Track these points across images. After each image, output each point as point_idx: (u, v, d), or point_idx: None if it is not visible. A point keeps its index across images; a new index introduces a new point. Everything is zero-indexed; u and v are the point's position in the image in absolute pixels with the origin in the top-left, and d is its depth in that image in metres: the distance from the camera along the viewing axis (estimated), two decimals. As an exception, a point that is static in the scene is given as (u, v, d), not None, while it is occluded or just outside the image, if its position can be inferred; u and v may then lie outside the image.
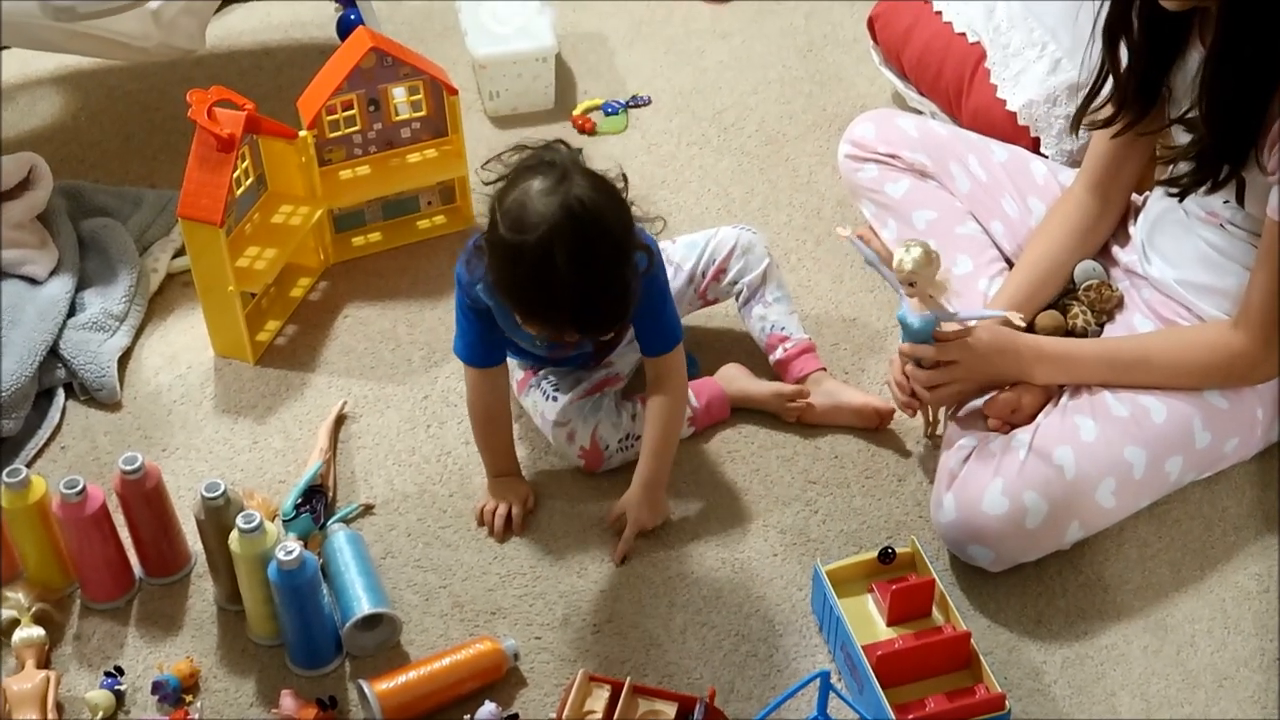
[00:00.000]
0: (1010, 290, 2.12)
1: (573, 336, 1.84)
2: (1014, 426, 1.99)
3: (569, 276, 1.72)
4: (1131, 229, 2.15)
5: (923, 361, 1.97)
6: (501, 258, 1.78)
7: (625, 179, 1.86)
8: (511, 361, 2.14)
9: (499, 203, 1.78)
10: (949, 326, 1.94)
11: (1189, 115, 1.86)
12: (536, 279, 1.74)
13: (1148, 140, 2.03)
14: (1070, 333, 2.15)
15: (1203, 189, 1.87)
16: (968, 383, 1.99)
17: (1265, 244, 1.85)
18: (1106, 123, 2.01)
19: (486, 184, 1.83)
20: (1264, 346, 1.90)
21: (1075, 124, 2.07)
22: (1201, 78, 1.81)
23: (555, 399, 2.10)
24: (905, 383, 2.01)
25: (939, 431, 2.10)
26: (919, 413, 2.08)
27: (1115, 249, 2.17)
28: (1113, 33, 1.93)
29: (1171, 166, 1.93)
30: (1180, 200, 1.94)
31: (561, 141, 1.83)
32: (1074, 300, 2.16)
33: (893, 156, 2.33)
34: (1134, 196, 2.17)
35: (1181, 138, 1.93)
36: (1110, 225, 2.16)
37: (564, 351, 2.05)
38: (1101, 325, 2.14)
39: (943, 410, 2.08)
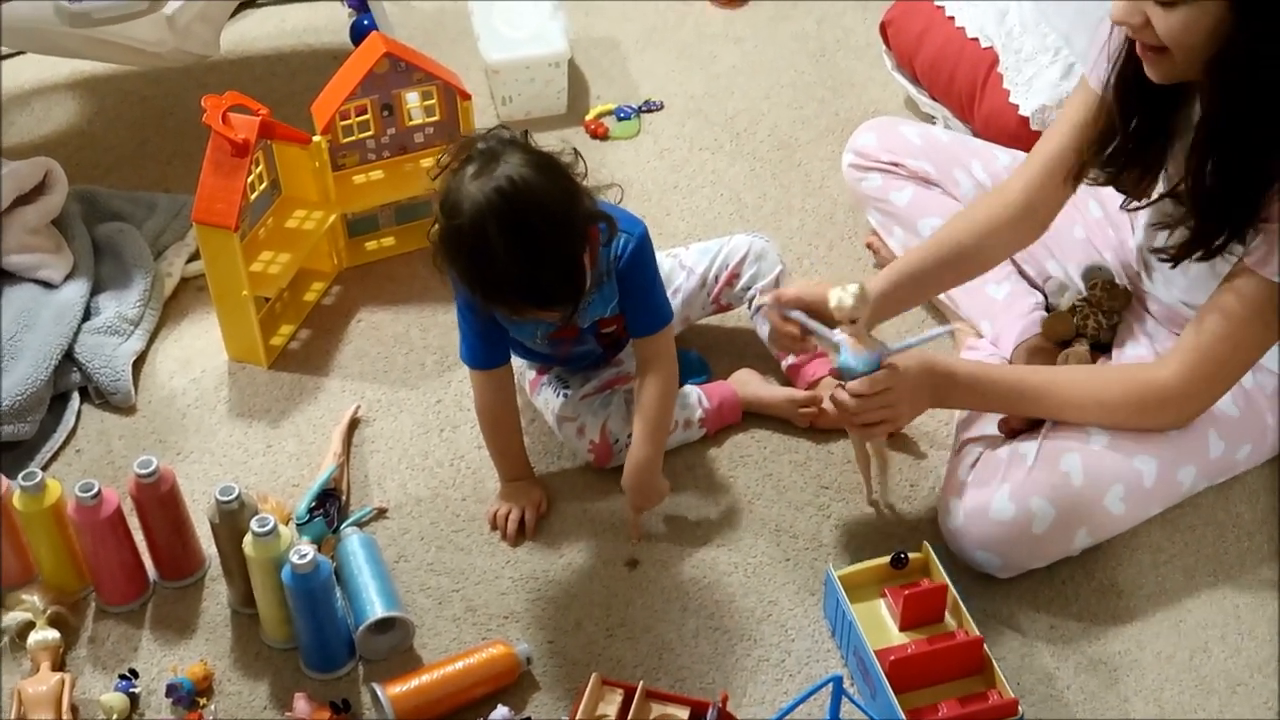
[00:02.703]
0: (901, 264, 2.05)
1: (534, 313, 1.84)
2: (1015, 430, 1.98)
3: (505, 253, 1.74)
4: (1131, 241, 2.13)
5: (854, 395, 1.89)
6: (446, 247, 1.81)
7: (576, 153, 1.87)
8: (522, 364, 2.15)
9: (441, 202, 1.81)
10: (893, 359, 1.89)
11: (1180, 188, 1.82)
12: (476, 260, 1.77)
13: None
14: (1081, 335, 2.15)
15: (1195, 257, 1.82)
16: (904, 409, 1.92)
17: (1241, 293, 1.80)
18: (1108, 180, 1.95)
19: (433, 179, 1.86)
20: (1185, 387, 1.86)
21: (1077, 177, 1.99)
22: (1188, 156, 1.77)
23: (565, 395, 2.12)
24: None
25: (877, 497, 2.07)
26: (861, 475, 2.05)
27: (1121, 258, 2.16)
28: (1119, 93, 1.87)
29: (1167, 233, 1.88)
30: (1174, 266, 1.88)
31: (503, 126, 1.86)
32: (1084, 302, 2.16)
33: (895, 165, 2.33)
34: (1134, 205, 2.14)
35: (1173, 205, 1.87)
36: (1029, 238, 2.07)
37: (568, 348, 2.06)
38: (1113, 327, 2.13)
39: (885, 473, 2.06)
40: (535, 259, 1.76)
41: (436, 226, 1.83)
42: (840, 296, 1.83)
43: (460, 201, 1.77)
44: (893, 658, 1.76)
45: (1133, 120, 1.87)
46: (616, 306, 2.00)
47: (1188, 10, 1.66)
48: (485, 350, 2.01)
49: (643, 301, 1.99)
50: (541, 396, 2.15)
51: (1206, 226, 1.79)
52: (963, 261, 2.06)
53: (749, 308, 2.27)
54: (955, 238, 2.06)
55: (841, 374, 1.89)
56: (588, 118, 2.82)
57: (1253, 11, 1.63)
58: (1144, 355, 2.03)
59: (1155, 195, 1.91)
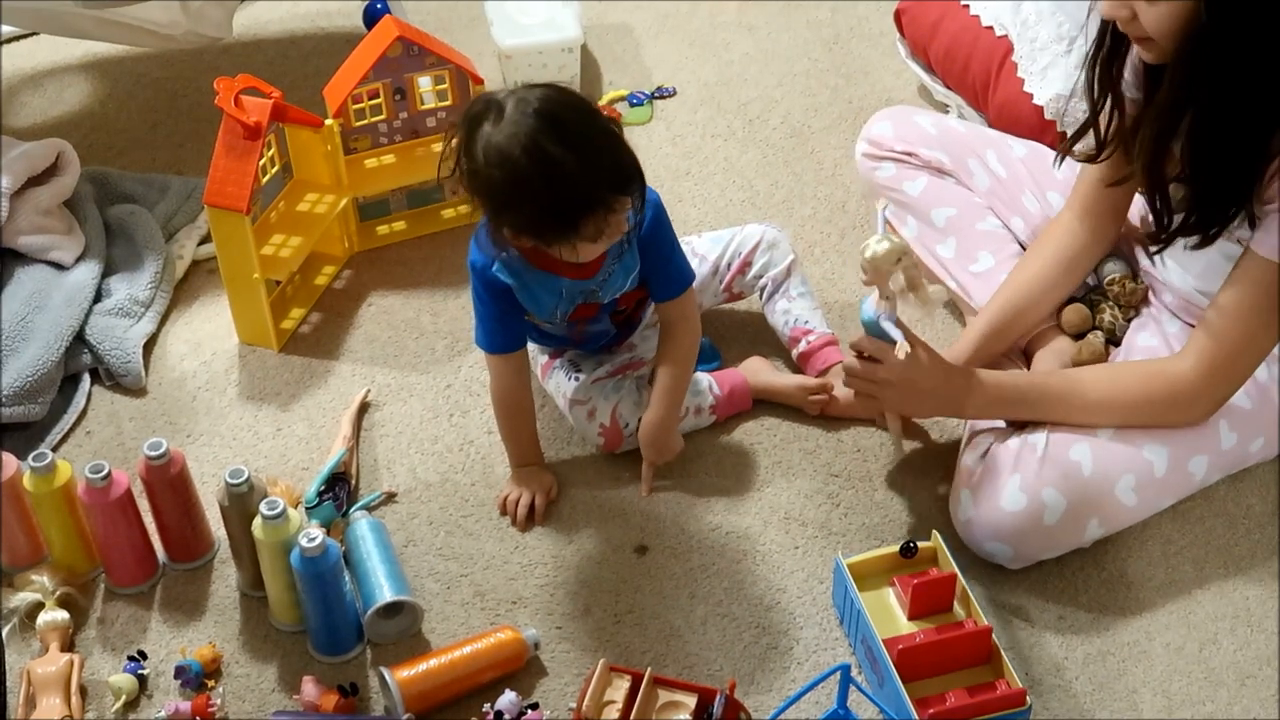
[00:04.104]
0: (986, 319, 2.09)
1: (617, 203, 1.80)
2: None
3: (569, 155, 1.74)
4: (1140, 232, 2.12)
5: (860, 356, 1.93)
6: (512, 199, 1.79)
7: None
8: (534, 348, 2.15)
9: (474, 173, 1.79)
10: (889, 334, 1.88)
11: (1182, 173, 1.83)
12: (548, 179, 1.75)
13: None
14: (1097, 328, 2.14)
15: (1190, 245, 1.83)
16: (890, 394, 1.94)
17: (1249, 279, 1.81)
18: (1091, 158, 1.98)
19: (448, 180, 1.85)
20: (1205, 377, 1.86)
21: (1061, 155, 2.03)
22: (1185, 137, 1.79)
23: (577, 378, 2.12)
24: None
25: (900, 443, 2.08)
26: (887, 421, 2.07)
27: (1136, 249, 2.15)
28: (1097, 78, 1.90)
29: (1163, 219, 1.89)
30: (1159, 252, 1.92)
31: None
32: (1100, 296, 2.16)
33: (909, 154, 2.32)
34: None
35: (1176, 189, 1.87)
36: (1100, 252, 2.12)
37: (584, 327, 2.06)
38: (1129, 321, 2.13)
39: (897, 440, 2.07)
40: (595, 146, 1.77)
41: (485, 206, 1.82)
42: (867, 242, 1.83)
43: (502, 146, 1.75)
44: (901, 647, 1.76)
45: (1101, 106, 1.91)
46: (637, 278, 2.00)
47: (1169, 3, 1.68)
48: (503, 334, 2.01)
49: (665, 266, 2.00)
50: (553, 380, 2.15)
51: (1211, 200, 1.79)
52: (1044, 296, 2.11)
53: (760, 296, 2.26)
54: (1029, 278, 2.10)
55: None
56: (600, 103, 2.82)
57: (1222, 3, 1.65)
58: (1155, 345, 2.02)
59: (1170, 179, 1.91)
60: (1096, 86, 1.91)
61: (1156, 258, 2.06)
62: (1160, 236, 1.88)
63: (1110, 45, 1.87)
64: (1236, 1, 1.65)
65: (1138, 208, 2.13)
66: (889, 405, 1.98)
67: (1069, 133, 2.38)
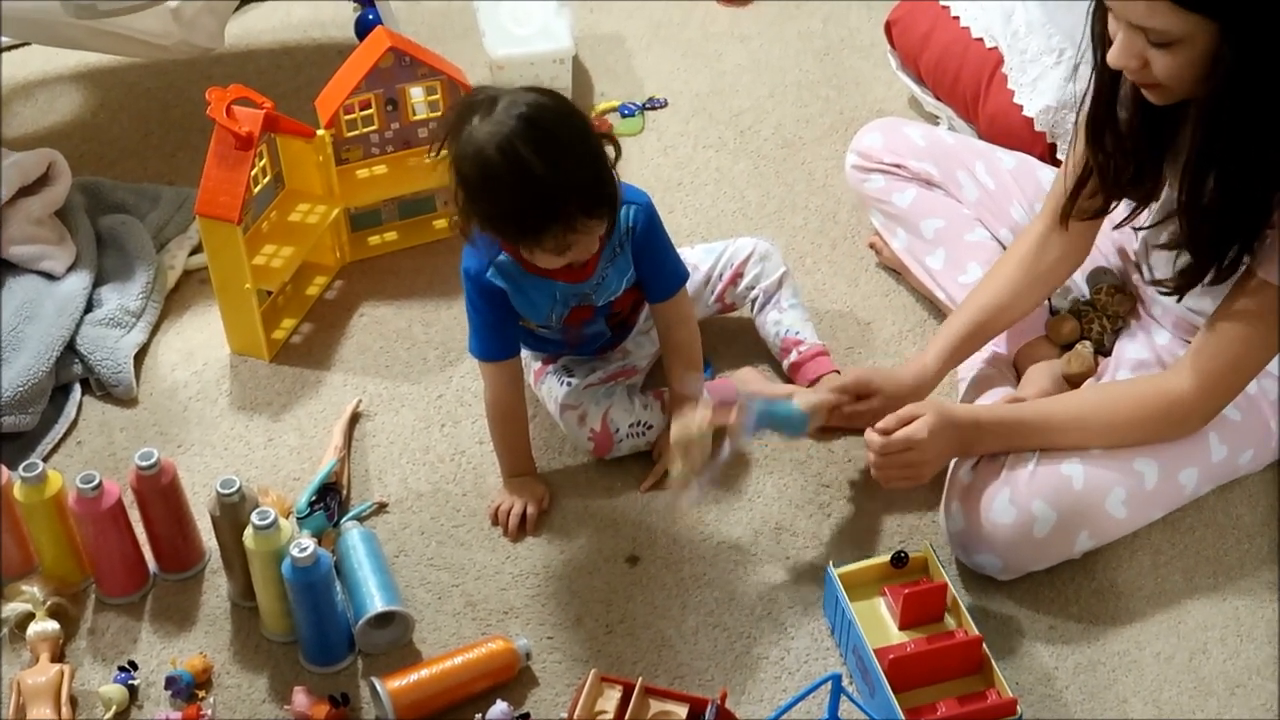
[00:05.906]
0: (947, 335, 2.08)
1: (584, 224, 1.81)
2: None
3: (543, 164, 1.75)
4: (1133, 245, 2.12)
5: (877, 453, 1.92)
6: (483, 194, 1.80)
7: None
8: (527, 354, 2.15)
9: (454, 157, 1.81)
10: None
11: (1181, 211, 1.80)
12: (517, 186, 1.76)
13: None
14: (1086, 339, 2.15)
15: (1207, 281, 1.81)
16: (927, 471, 1.93)
17: (1249, 298, 1.80)
18: (1098, 213, 1.97)
19: (433, 158, 1.87)
20: (1202, 393, 1.86)
21: (1064, 217, 2.00)
22: (1188, 181, 1.76)
23: (569, 384, 2.12)
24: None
25: None
26: None
27: (1125, 261, 2.16)
28: (1097, 126, 1.87)
29: (1167, 257, 1.88)
30: (1179, 300, 1.91)
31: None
32: (1088, 306, 2.16)
33: (898, 166, 2.32)
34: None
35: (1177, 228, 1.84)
36: (1073, 264, 2.10)
37: (579, 330, 2.06)
38: (1118, 332, 2.13)
39: None
40: (572, 162, 1.78)
41: (464, 198, 1.83)
42: (684, 427, 1.93)
43: (481, 145, 1.77)
44: (892, 656, 1.76)
45: (1102, 156, 1.89)
46: (632, 278, 2.01)
47: (1184, 49, 1.65)
48: (497, 342, 2.01)
49: (660, 266, 2.02)
50: (545, 386, 2.15)
51: (1212, 249, 1.78)
52: (1012, 304, 2.08)
53: (752, 308, 2.27)
54: (999, 287, 2.08)
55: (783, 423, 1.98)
56: (592, 114, 2.82)
57: (1244, 39, 1.62)
58: (1145, 356, 2.03)
59: (1156, 218, 1.91)
60: (1094, 138, 1.88)
61: (1146, 269, 2.06)
62: (1189, 279, 1.84)
63: (1107, 97, 1.84)
64: (1262, 33, 1.61)
65: (1128, 239, 2.13)
66: (927, 478, 1.95)
67: (1059, 144, 2.40)
